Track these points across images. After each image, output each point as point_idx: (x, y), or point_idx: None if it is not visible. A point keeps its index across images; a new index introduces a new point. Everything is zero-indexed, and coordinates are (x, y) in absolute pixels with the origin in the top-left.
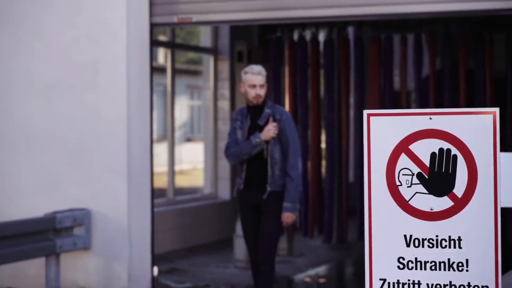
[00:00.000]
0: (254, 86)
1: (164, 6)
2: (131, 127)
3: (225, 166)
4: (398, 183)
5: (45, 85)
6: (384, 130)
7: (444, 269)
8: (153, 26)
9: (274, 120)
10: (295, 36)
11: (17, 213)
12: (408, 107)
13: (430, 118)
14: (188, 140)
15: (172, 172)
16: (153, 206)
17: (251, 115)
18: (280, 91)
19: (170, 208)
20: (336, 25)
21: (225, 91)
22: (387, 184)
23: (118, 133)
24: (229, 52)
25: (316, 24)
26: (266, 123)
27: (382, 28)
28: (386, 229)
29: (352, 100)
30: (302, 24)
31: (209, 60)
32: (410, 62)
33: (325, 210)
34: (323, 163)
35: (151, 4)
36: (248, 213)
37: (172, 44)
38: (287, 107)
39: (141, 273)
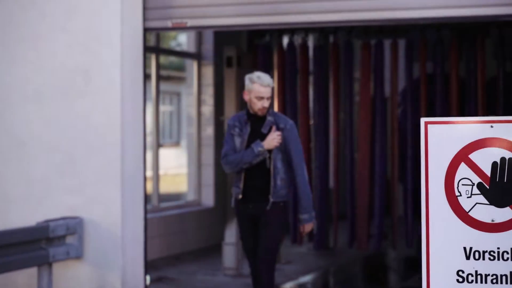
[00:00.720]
0: (261, 98)
1: (158, 10)
2: (124, 134)
3: (208, 172)
4: (457, 194)
5: (36, 92)
6: (442, 138)
7: (506, 283)
8: (146, 31)
9: (278, 129)
10: (284, 41)
11: (8, 222)
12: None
13: (492, 126)
14: (159, 146)
15: (156, 179)
16: (146, 213)
17: (252, 122)
18: None
19: (154, 215)
20: (326, 31)
21: (208, 96)
22: (446, 194)
23: (111, 140)
24: (213, 58)
25: (306, 29)
26: (269, 131)
27: (372, 33)
28: (445, 241)
29: (341, 105)
30: (292, 30)
31: (193, 65)
32: (401, 67)
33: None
34: (312, 168)
35: (145, 9)
36: (248, 225)
37: (157, 49)
38: None
39: (134, 282)
